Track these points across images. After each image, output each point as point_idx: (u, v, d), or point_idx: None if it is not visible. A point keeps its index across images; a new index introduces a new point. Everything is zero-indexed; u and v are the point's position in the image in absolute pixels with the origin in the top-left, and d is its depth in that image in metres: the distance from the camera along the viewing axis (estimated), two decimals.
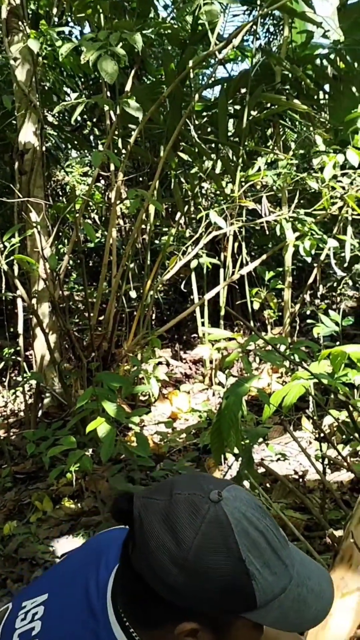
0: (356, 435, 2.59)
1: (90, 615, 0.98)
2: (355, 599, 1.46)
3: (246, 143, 4.89)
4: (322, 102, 5.36)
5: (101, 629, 0.96)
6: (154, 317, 6.77)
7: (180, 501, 0.88)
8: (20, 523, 3.19)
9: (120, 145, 5.00)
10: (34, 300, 4.31)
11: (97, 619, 0.97)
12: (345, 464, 1.80)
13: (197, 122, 4.79)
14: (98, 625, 0.96)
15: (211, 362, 5.21)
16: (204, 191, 6.00)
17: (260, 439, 3.84)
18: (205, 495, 0.88)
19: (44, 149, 4.53)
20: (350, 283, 6.45)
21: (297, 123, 5.58)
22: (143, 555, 0.87)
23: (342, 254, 5.13)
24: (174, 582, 0.84)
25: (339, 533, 1.87)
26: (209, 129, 5.16)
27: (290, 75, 4.92)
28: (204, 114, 5.21)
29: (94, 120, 6.11)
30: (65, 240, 5.65)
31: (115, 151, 4.80)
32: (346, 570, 1.52)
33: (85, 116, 6.17)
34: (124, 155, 4.05)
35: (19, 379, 4.65)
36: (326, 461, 3.41)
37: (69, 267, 6.90)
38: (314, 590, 0.92)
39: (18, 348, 4.66)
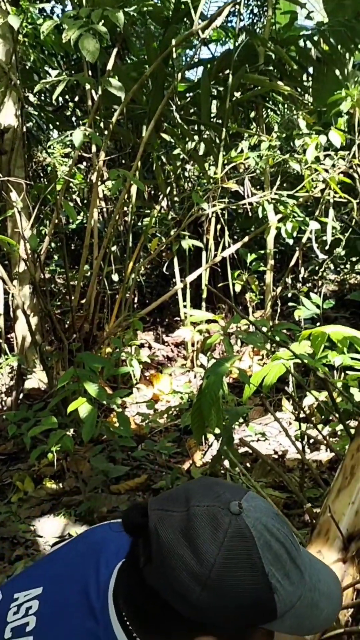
0: (335, 415, 2.63)
1: (89, 616, 0.94)
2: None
3: (229, 125, 4.87)
4: (305, 84, 5.35)
5: (101, 631, 0.92)
6: (136, 301, 6.76)
7: (199, 514, 0.84)
8: (2, 503, 3.19)
9: (102, 126, 4.95)
10: (14, 282, 4.28)
11: (97, 619, 0.93)
12: (324, 443, 1.82)
13: (179, 103, 4.75)
14: (98, 627, 0.92)
15: (193, 344, 5.23)
16: (186, 173, 5.97)
17: (241, 420, 3.88)
18: (224, 507, 0.84)
19: (24, 128, 4.47)
20: (332, 267, 6.48)
21: (280, 105, 5.57)
22: (160, 571, 0.83)
23: (324, 237, 5.16)
24: (196, 601, 0.80)
25: (317, 510, 1.90)
26: (191, 110, 5.13)
27: (273, 56, 4.89)
28: (187, 95, 5.17)
29: (76, 100, 6.03)
30: (47, 222, 5.59)
31: (97, 132, 4.76)
32: (323, 544, 1.55)
33: (67, 96, 6.09)
34: (105, 135, 4.00)
35: (0, 360, 4.62)
36: (306, 441, 3.45)
37: (51, 250, 6.86)
38: (324, 593, 0.91)
39: None
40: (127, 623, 0.91)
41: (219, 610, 0.81)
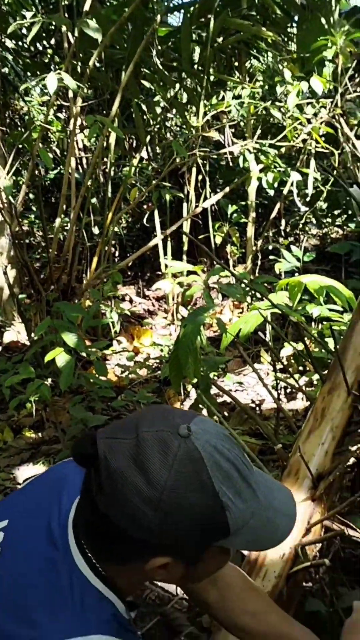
0: (309, 361, 2.66)
1: (49, 544, 0.94)
2: (301, 509, 1.52)
3: (210, 72, 4.75)
4: (289, 31, 5.20)
5: (60, 557, 0.92)
6: (116, 255, 6.70)
7: (149, 439, 0.84)
8: None
9: (79, 71, 4.79)
10: None
11: (57, 547, 0.93)
12: (301, 391, 1.84)
13: (160, 48, 4.60)
14: (57, 553, 0.93)
15: (174, 298, 5.22)
16: (167, 123, 5.84)
17: (220, 371, 3.92)
18: (173, 430, 0.85)
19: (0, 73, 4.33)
20: (314, 221, 6.46)
21: (263, 53, 5.42)
22: (113, 498, 0.84)
23: (306, 190, 5.12)
24: (149, 523, 0.82)
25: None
26: (172, 56, 4.98)
27: (257, 1, 4.74)
28: (167, 40, 5.01)
29: (54, 46, 5.82)
30: (24, 172, 5.46)
31: (75, 77, 4.61)
32: (293, 484, 1.58)
33: (44, 42, 5.87)
34: (82, 80, 3.88)
35: None
36: (283, 390, 3.50)
37: (29, 202, 6.73)
38: (280, 510, 0.94)
39: None
40: (87, 551, 0.92)
41: (172, 531, 0.83)
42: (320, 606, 1.58)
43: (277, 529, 0.94)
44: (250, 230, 5.22)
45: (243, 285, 3.72)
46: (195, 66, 5.02)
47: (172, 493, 0.82)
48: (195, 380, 2.69)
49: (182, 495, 0.82)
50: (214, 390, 3.44)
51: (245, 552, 1.58)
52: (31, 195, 6.26)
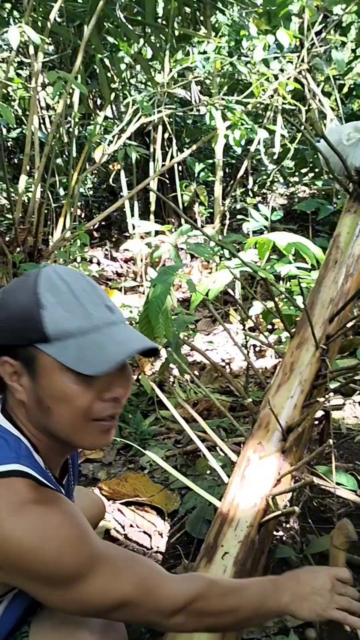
0: (280, 320, 2.68)
1: None
2: (271, 461, 1.56)
3: (175, 26, 4.63)
4: None
5: None
6: (83, 216, 6.60)
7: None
8: None
9: (40, 25, 4.62)
10: None
11: None
12: (271, 347, 1.86)
13: (122, 1, 4.46)
14: None
15: (142, 259, 5.18)
16: (132, 80, 5.71)
17: (190, 331, 3.93)
18: (38, 268, 1.04)
19: None
20: (281, 180, 6.44)
21: (229, 6, 5.30)
22: None
23: (273, 150, 5.08)
24: None
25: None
26: (135, 10, 4.83)
27: None
28: None
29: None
30: None
31: (36, 32, 4.44)
32: (263, 436, 1.61)
33: None
34: (43, 34, 3.74)
35: None
36: (252, 349, 3.54)
37: None
38: (119, 342, 0.98)
39: None
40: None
41: (5, 325, 0.98)
42: (291, 552, 1.64)
43: (106, 351, 0.96)
44: (218, 190, 5.18)
45: (212, 244, 3.72)
46: (159, 20, 4.89)
47: (7, 293, 1.00)
48: (165, 341, 2.70)
49: (12, 294, 0.99)
50: (184, 350, 3.47)
51: (216, 502, 1.62)
52: None
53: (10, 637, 1.12)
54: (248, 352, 2.99)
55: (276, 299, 2.01)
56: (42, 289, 0.97)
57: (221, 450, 1.73)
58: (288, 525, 1.68)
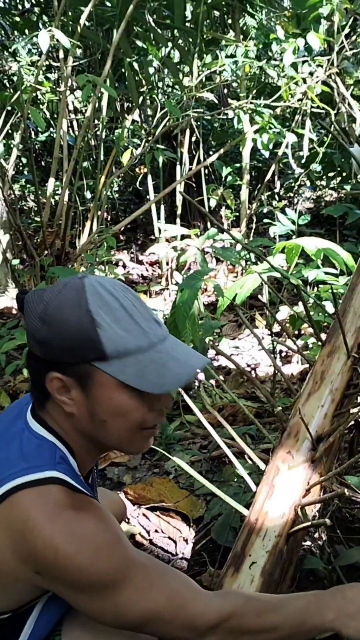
0: (309, 326, 2.65)
1: (18, 429, 1.06)
2: (301, 470, 1.54)
3: (204, 30, 4.62)
4: None
5: (21, 430, 1.06)
6: (109, 219, 6.63)
7: (56, 283, 1.03)
8: None
9: (70, 30, 4.65)
10: None
11: (21, 426, 1.07)
12: (298, 353, 1.84)
13: (152, 5, 4.47)
14: (19, 429, 1.07)
15: (168, 263, 5.18)
16: (159, 83, 5.72)
17: (215, 335, 3.92)
18: (75, 277, 1.02)
19: None
20: (308, 183, 6.39)
21: (257, 9, 5.28)
22: (26, 326, 1.02)
23: (301, 153, 5.05)
24: (40, 336, 0.98)
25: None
26: (164, 13, 4.84)
27: None
28: None
29: (42, 3, 5.65)
30: (14, 134, 5.36)
31: (65, 36, 4.48)
32: (292, 446, 1.59)
33: (33, 0, 5.71)
34: (73, 38, 3.77)
35: None
36: (278, 354, 3.51)
37: (19, 165, 6.61)
38: (178, 359, 0.99)
39: None
40: (39, 416, 1.07)
41: (55, 341, 0.97)
42: (319, 564, 1.61)
43: (169, 372, 0.98)
44: (245, 193, 5.16)
45: (238, 248, 3.70)
46: (188, 24, 4.89)
47: (55, 308, 0.98)
48: (191, 346, 2.69)
49: (62, 310, 0.97)
50: (209, 355, 3.46)
51: (242, 510, 1.60)
52: (22, 159, 6.15)
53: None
54: (275, 358, 2.96)
55: (307, 305, 1.99)
56: (94, 306, 0.97)
57: (249, 458, 1.71)
58: (316, 536, 1.66)
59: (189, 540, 2.06)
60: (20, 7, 6.02)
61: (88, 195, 5.71)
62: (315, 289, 3.71)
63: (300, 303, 3.85)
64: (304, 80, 4.18)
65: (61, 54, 4.10)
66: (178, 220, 5.14)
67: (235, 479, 2.17)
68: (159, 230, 5.08)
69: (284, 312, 3.42)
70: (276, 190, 5.86)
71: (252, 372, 3.46)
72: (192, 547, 2.02)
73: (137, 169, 6.22)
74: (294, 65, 4.13)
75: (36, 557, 0.94)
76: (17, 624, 1.06)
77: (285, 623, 1.10)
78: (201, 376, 3.15)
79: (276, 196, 6.16)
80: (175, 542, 2.05)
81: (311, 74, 4.17)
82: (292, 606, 1.12)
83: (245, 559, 1.45)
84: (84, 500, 1.00)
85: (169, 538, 2.07)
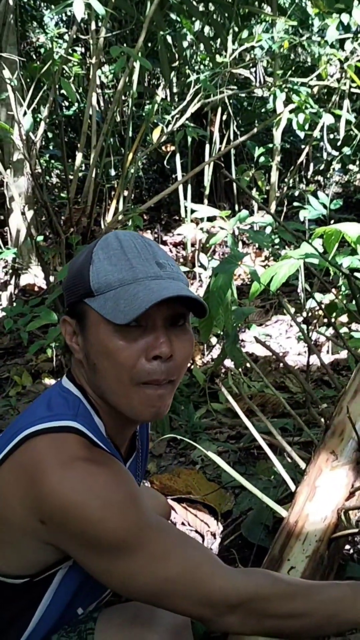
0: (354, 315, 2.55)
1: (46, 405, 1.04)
2: (344, 472, 1.45)
3: (240, 5, 4.45)
4: None
5: (56, 388, 1.08)
6: (133, 197, 6.52)
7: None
8: (0, 397, 3.17)
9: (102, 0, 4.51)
10: (8, 171, 4.05)
11: (56, 384, 1.09)
12: (339, 343, 1.74)
13: None
14: (55, 387, 1.09)
15: (193, 244, 5.07)
16: (192, 61, 5.56)
17: (242, 322, 3.82)
18: None
19: (17, 1, 4.09)
20: (338, 167, 6.22)
21: None
22: None
23: (335, 135, 4.89)
24: (63, 283, 1.04)
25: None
26: None
27: None
28: None
29: None
30: (42, 107, 5.27)
31: None
32: (337, 445, 1.50)
33: None
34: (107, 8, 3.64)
35: None
36: (311, 342, 3.40)
37: (45, 141, 6.51)
38: (152, 289, 0.93)
39: None
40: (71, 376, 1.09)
41: (65, 284, 1.03)
42: None
43: (137, 301, 0.92)
44: (275, 175, 5.02)
45: (269, 232, 3.59)
46: None
47: (75, 259, 1.05)
48: (219, 332, 2.60)
49: (76, 257, 1.05)
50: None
51: (283, 512, 1.53)
52: (48, 133, 6.04)
53: (66, 614, 1.07)
54: (311, 348, 2.86)
55: (355, 291, 1.89)
56: (97, 247, 1.00)
57: (287, 455, 1.63)
58: (357, 539, 1.58)
59: (217, 535, 1.99)
60: None
61: (112, 172, 5.60)
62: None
63: (333, 290, 3.74)
64: (346, 59, 4.00)
65: (92, 26, 3.97)
66: (205, 201, 5.02)
67: (272, 477, 2.08)
68: (185, 210, 4.96)
69: (318, 299, 3.31)
70: (309, 173, 5.70)
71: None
72: (220, 543, 1.95)
73: (163, 147, 6.09)
74: (339, 43, 3.95)
75: (42, 502, 0.90)
76: (35, 595, 1.02)
77: (315, 612, 1.01)
78: (229, 363, 3.07)
79: (304, 179, 6.01)
80: (202, 536, 1.98)
81: (352, 52, 3.99)
82: (325, 595, 1.04)
83: (283, 564, 1.37)
84: (101, 454, 0.97)
85: (196, 532, 2.01)
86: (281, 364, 3.39)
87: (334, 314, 2.73)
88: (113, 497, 0.91)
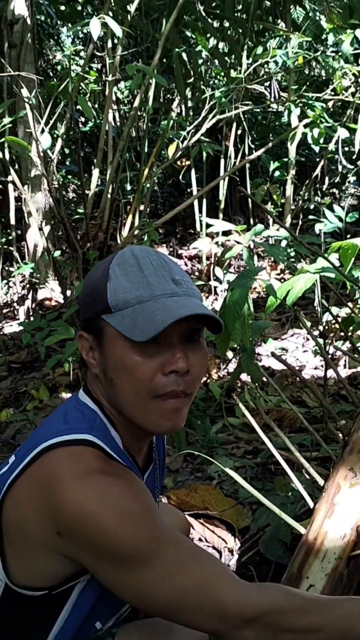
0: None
1: (63, 419, 1.05)
2: None
3: (254, 21, 4.49)
4: None
5: (69, 401, 1.10)
6: (148, 211, 6.56)
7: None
8: (17, 411, 3.19)
9: (119, 19, 4.58)
10: (26, 187, 4.11)
11: (72, 398, 1.11)
12: (355, 356, 1.74)
13: None
14: (71, 400, 1.10)
15: (208, 258, 5.09)
16: (207, 76, 5.61)
17: (259, 336, 3.81)
18: None
19: (35, 21, 4.16)
20: (354, 179, 6.21)
21: (308, 0, 5.13)
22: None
23: (350, 148, 4.89)
24: (79, 298, 1.06)
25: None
26: (214, 4, 4.73)
27: None
28: None
29: None
30: (59, 124, 5.35)
31: None
32: (355, 462, 1.49)
33: None
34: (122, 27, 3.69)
35: (12, 270, 4.53)
36: (328, 356, 3.38)
37: (62, 157, 6.58)
38: (170, 307, 0.95)
39: (10, 238, 4.51)
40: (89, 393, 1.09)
41: (81, 300, 1.05)
42: None
43: (153, 318, 0.94)
44: (290, 189, 5.03)
45: (284, 246, 3.58)
46: (238, 14, 4.77)
47: (91, 274, 1.06)
48: (235, 346, 2.59)
49: (91, 272, 1.07)
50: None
51: (301, 529, 1.52)
52: (65, 149, 6.11)
53: (85, 627, 1.08)
54: (328, 362, 2.85)
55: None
56: (114, 264, 1.01)
57: (305, 471, 1.62)
58: None
59: (234, 552, 1.98)
60: None
61: (128, 187, 5.65)
62: None
63: (350, 304, 3.72)
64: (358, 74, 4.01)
65: (109, 44, 4.03)
66: (220, 215, 5.03)
67: (289, 493, 2.07)
68: (201, 224, 4.98)
69: (334, 313, 3.30)
70: (322, 187, 5.70)
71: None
72: (237, 559, 1.94)
73: (178, 162, 6.14)
74: (351, 57, 3.97)
75: (58, 514, 0.91)
76: (53, 608, 1.03)
77: (331, 626, 1.01)
78: (246, 377, 3.06)
79: (319, 192, 6.00)
80: (220, 552, 1.98)
81: None
82: (340, 609, 1.03)
83: (302, 581, 1.36)
84: (116, 467, 0.98)
85: (214, 548, 2.00)
86: (298, 378, 3.37)
87: (351, 328, 2.71)
88: (128, 508, 0.92)
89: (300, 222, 5.21)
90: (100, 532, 0.90)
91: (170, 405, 0.99)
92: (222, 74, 4.90)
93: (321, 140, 4.24)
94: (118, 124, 6.01)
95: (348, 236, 4.26)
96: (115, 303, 0.97)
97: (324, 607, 1.03)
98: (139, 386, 0.97)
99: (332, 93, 4.29)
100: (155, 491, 1.22)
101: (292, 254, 4.14)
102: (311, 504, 1.54)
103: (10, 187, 4.40)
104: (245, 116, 4.68)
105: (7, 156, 4.20)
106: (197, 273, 5.37)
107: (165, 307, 0.95)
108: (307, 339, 3.78)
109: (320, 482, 1.58)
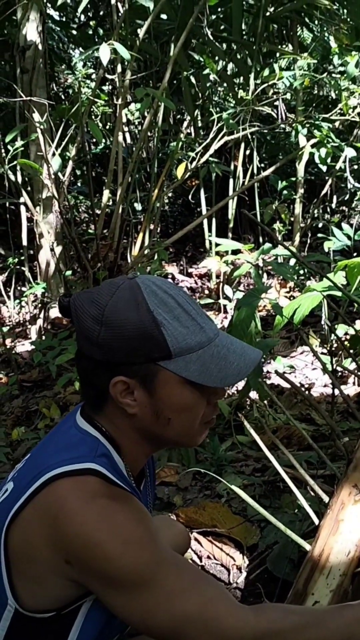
0: None
1: (63, 433, 1.07)
2: None
3: (262, 43, 4.57)
4: None
5: (68, 427, 1.08)
6: (159, 231, 6.64)
7: (103, 284, 1.04)
8: (29, 429, 3.22)
9: (128, 43, 4.68)
10: (38, 209, 4.18)
11: (68, 426, 1.09)
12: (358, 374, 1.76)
13: (210, 18, 4.45)
14: (65, 428, 1.09)
15: (218, 276, 5.13)
16: (215, 97, 5.70)
17: (268, 354, 3.83)
18: (124, 277, 1.03)
19: (46, 46, 4.26)
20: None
21: (316, 22, 5.21)
22: (76, 330, 1.02)
23: (358, 166, 4.93)
24: (99, 338, 0.98)
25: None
26: (222, 27, 4.82)
27: None
28: (218, 9, 4.84)
29: (99, 17, 5.72)
30: (70, 146, 5.44)
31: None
32: (359, 479, 1.51)
33: (89, 14, 5.78)
34: (132, 52, 3.77)
35: (24, 289, 4.59)
36: (334, 373, 3.40)
37: (73, 178, 6.68)
38: (236, 352, 1.02)
39: (22, 258, 4.58)
40: (89, 417, 1.08)
41: (116, 345, 0.97)
42: None
43: (230, 365, 1.00)
44: (298, 208, 5.07)
45: (292, 263, 3.62)
46: (246, 37, 4.86)
47: (112, 310, 0.98)
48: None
49: (120, 311, 0.98)
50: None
51: (307, 546, 1.53)
52: (76, 171, 6.21)
53: None
54: (333, 381, 2.87)
55: None
56: (153, 305, 0.98)
57: (310, 489, 1.64)
58: None
59: (242, 569, 1.98)
60: (77, 19, 6.11)
61: (138, 207, 5.72)
62: None
63: (358, 322, 3.73)
64: None
65: (119, 68, 4.12)
66: (230, 234, 5.08)
67: (296, 510, 2.08)
68: (210, 243, 5.03)
69: (340, 331, 3.32)
70: (331, 205, 5.74)
71: (306, 392, 3.36)
72: (245, 577, 1.95)
73: (188, 182, 6.21)
74: (353, 80, 4.03)
75: (66, 544, 0.94)
76: (63, 628, 1.05)
77: (332, 637, 1.04)
78: (254, 395, 3.08)
79: (328, 209, 6.04)
80: (228, 570, 1.99)
81: None
82: (338, 620, 1.06)
83: (307, 598, 1.37)
84: (119, 493, 1.00)
85: (222, 565, 2.01)
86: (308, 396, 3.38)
87: (358, 346, 2.73)
88: (132, 534, 0.96)
89: (309, 240, 5.24)
90: (107, 559, 0.94)
91: (210, 425, 1.11)
92: (230, 95, 4.98)
93: (329, 160, 4.29)
94: (129, 142, 6.10)
95: (354, 254, 4.29)
96: (179, 350, 0.98)
97: (322, 620, 1.06)
98: (196, 420, 1.06)
99: (340, 113, 4.34)
100: (148, 503, 1.26)
101: (302, 271, 4.17)
102: (316, 521, 1.55)
103: (23, 208, 4.47)
104: (254, 136, 4.74)
105: (19, 178, 4.29)
106: (206, 291, 5.40)
107: (231, 352, 1.02)
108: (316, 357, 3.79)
109: (326, 499, 1.59)
